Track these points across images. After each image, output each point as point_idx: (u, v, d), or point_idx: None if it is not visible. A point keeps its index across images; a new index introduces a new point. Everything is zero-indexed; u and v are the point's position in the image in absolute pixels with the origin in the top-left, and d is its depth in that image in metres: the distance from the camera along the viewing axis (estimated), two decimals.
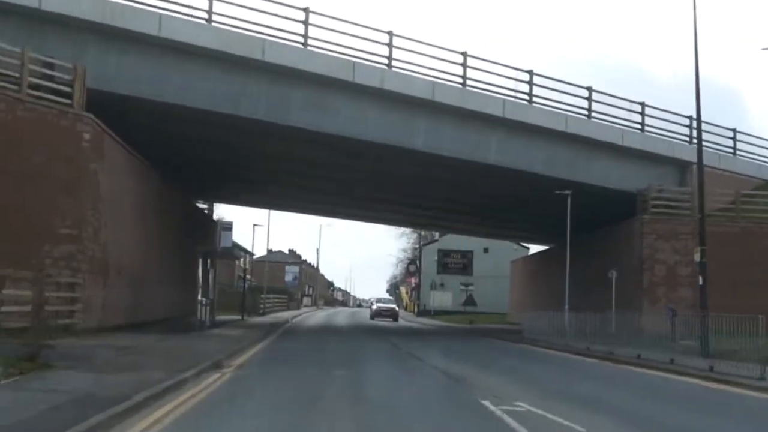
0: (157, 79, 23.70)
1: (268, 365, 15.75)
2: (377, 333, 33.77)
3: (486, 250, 73.29)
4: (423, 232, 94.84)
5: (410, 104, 27.89)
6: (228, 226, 28.72)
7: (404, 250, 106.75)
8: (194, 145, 29.19)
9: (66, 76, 20.98)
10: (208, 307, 26.55)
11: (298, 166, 32.64)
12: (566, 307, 29.89)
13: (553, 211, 38.65)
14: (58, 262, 20.12)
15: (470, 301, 53.64)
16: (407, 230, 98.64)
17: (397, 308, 62.91)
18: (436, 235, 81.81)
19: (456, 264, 74.76)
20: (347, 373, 14.35)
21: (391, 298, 76.62)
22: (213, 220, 42.32)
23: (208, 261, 26.36)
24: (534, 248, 68.43)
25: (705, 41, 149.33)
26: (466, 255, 74.55)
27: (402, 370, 15.34)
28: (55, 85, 20.81)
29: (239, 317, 39.44)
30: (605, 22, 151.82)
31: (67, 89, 20.91)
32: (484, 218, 44.89)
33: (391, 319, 55.90)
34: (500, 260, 69.94)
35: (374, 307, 61.92)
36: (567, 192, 31.10)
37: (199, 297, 24.45)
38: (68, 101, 20.81)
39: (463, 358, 20.00)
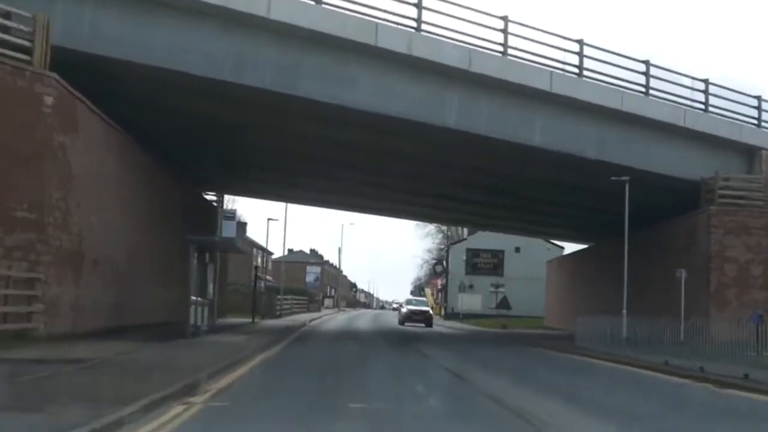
0: (142, 38, 19.93)
1: (259, 391, 11.65)
2: (403, 340, 29.68)
3: (518, 250, 68.97)
4: (449, 232, 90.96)
5: (442, 75, 23.94)
6: (230, 215, 24.98)
7: (429, 251, 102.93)
8: (191, 122, 25.34)
9: (25, 28, 17.23)
10: (206, 309, 22.69)
11: (312, 150, 28.75)
12: (624, 311, 25.78)
13: (601, 203, 34.68)
14: (11, 252, 16.46)
15: (504, 303, 49.39)
16: (432, 230, 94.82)
17: (431, 311, 52.50)
18: (465, 233, 77.64)
19: (486, 264, 70.43)
20: (368, 408, 10.17)
21: (423, 299, 64.35)
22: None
23: (207, 255, 22.47)
24: (568, 248, 64.46)
25: (735, 44, 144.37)
26: (497, 255, 70.22)
27: (448, 405, 10.91)
28: (11, 38, 17.07)
29: (250, 320, 35.75)
30: (633, 21, 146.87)
31: (26, 43, 17.17)
32: (522, 212, 40.72)
33: (423, 325, 46.84)
34: (533, 260, 65.82)
35: (404, 310, 51.33)
36: (625, 178, 26.94)
37: (192, 297, 20.50)
38: (27, 57, 17.07)
39: (522, 379, 15.52)
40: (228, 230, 22.71)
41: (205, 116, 24.70)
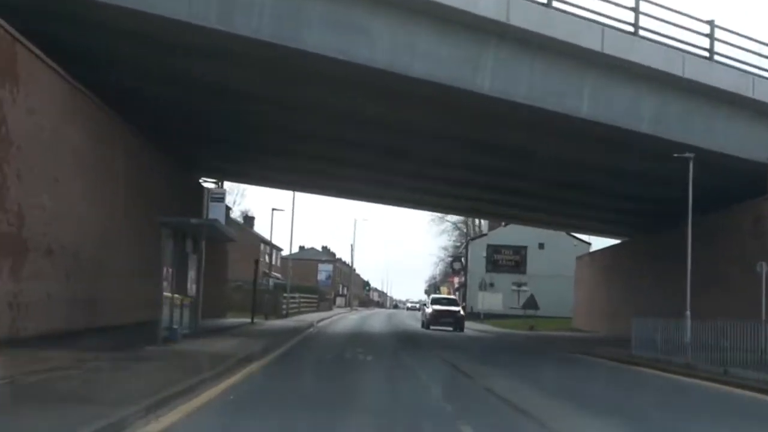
0: None
1: None
2: (424, 346, 25.50)
3: (541, 246, 64.81)
4: (466, 229, 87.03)
5: (474, 29, 19.91)
6: (219, 196, 21.05)
7: (445, 249, 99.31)
8: (178, 87, 21.44)
9: None
10: (188, 308, 18.77)
11: (319, 126, 24.76)
12: (687, 313, 21.70)
13: (648, 190, 30.80)
14: None
15: (531, 303, 45.16)
16: (448, 227, 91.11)
17: (462, 311, 43.00)
18: (485, 227, 73.47)
19: (507, 261, 66.17)
20: None
21: (452, 297, 53.08)
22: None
23: (191, 243, 18.52)
24: (596, 243, 60.38)
25: None
26: (519, 251, 65.97)
27: None
28: None
29: (249, 320, 31.86)
30: None
31: None
32: (553, 202, 36.55)
33: (452, 328, 39.13)
34: (558, 257, 62.00)
35: (428, 310, 41.78)
36: (689, 155, 22.88)
37: (167, 293, 16.55)
38: None
39: (628, 420, 10.36)
40: (215, 213, 18.83)
41: (193, 80, 20.84)
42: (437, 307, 41.52)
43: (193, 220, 16.56)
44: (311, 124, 24.63)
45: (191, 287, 18.87)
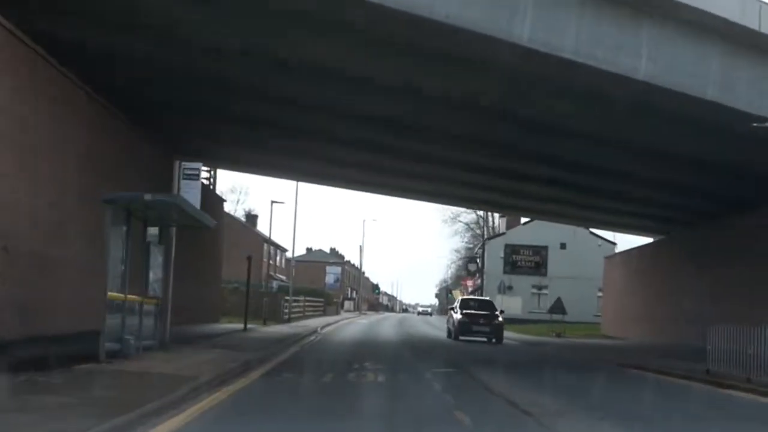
0: None
1: None
2: (451, 362, 20.62)
3: (563, 246, 60.76)
4: (480, 230, 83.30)
5: None
6: (193, 173, 16.99)
7: (457, 251, 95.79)
8: (143, 35, 17.49)
9: None
10: (152, 314, 14.83)
11: (315, 91, 20.77)
12: None
13: (699, 177, 26.94)
14: None
15: (558, 307, 41.09)
16: (461, 228, 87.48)
17: (500, 317, 33.59)
18: (501, 227, 69.40)
19: (527, 262, 62.08)
20: None
21: (486, 298, 43.06)
22: (212, 191, 31.09)
23: (149, 229, 14.58)
24: (621, 243, 56.55)
25: None
26: (540, 251, 61.86)
27: None
28: None
29: (246, 327, 27.94)
30: None
31: None
32: (586, 193, 32.53)
33: (486, 339, 31.63)
34: (580, 258, 58.14)
35: (458, 315, 32.77)
36: None
37: (116, 293, 12.61)
38: None
39: None
40: (189, 193, 14.99)
41: (165, 29, 16.96)
42: (468, 311, 32.91)
43: (147, 196, 12.50)
44: (308, 93, 20.73)
45: (155, 286, 14.94)
